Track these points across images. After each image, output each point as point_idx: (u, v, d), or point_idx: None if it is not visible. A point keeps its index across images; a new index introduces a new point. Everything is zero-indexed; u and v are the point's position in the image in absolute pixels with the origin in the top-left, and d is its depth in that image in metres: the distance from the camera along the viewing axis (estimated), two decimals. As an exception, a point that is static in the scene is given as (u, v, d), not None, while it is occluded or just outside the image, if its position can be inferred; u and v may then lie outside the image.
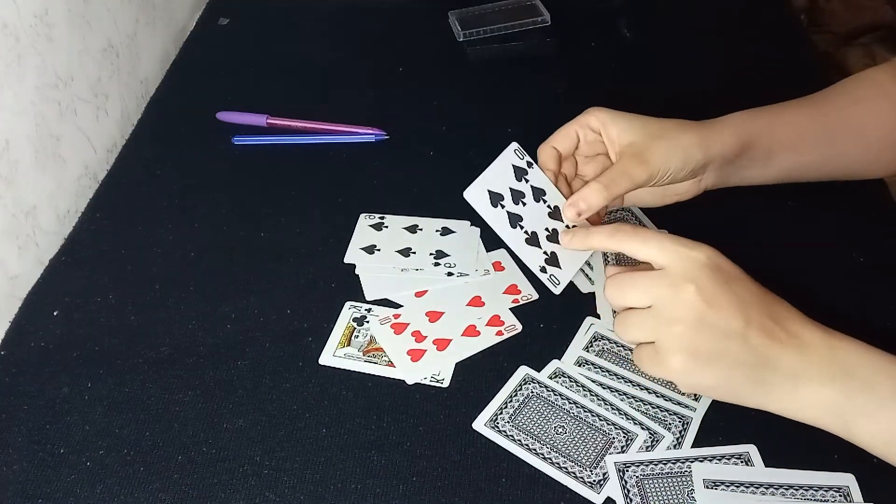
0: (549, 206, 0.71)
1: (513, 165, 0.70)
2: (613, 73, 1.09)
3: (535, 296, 0.79)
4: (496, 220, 0.69)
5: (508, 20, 1.15)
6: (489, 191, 0.69)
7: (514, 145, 0.71)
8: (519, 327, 0.77)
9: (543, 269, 0.70)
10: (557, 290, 0.70)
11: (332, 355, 0.75)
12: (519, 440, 0.68)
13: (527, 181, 0.70)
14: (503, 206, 0.69)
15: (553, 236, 0.70)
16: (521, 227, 0.69)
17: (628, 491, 0.64)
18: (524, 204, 0.70)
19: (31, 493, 0.66)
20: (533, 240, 0.69)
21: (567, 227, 0.71)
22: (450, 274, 0.81)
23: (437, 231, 0.85)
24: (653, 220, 0.85)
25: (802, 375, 0.60)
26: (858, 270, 0.81)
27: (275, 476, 0.67)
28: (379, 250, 0.84)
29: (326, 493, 0.65)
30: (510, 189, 0.69)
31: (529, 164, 0.71)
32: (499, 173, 0.70)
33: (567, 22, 1.16)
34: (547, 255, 0.70)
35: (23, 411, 0.72)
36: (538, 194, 0.70)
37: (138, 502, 0.65)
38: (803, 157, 0.77)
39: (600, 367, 0.73)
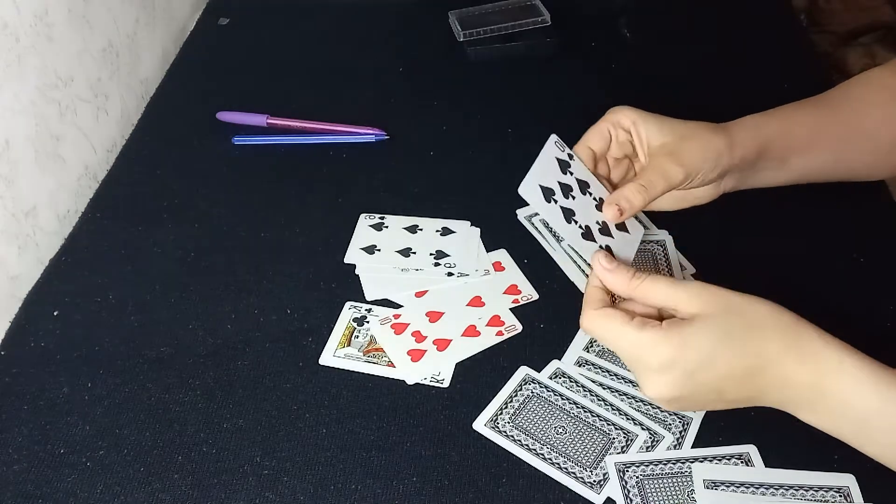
0: (595, 199, 0.69)
1: (556, 158, 0.68)
2: (613, 73, 1.09)
3: (535, 296, 0.79)
4: (552, 215, 0.66)
5: (508, 20, 1.15)
6: (541, 185, 0.66)
7: (554, 137, 0.68)
8: (519, 327, 0.77)
9: None
10: None
11: (333, 355, 0.75)
12: (519, 440, 0.68)
13: (571, 174, 0.68)
14: (556, 202, 0.66)
15: (605, 229, 0.68)
16: (576, 222, 0.67)
17: (628, 491, 0.64)
18: (573, 197, 0.67)
19: (31, 493, 0.66)
20: (588, 234, 0.67)
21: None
22: (450, 274, 0.81)
23: (437, 231, 0.85)
24: (654, 220, 0.85)
25: (791, 407, 0.60)
26: (858, 270, 0.81)
27: (275, 476, 0.67)
28: (379, 250, 0.84)
29: (326, 493, 0.66)
30: (558, 183, 0.67)
31: (570, 157, 0.69)
32: (545, 167, 0.67)
33: (567, 22, 1.16)
34: (602, 249, 0.67)
35: (23, 411, 0.72)
36: (583, 187, 0.68)
37: (138, 502, 0.65)
38: (816, 160, 0.77)
39: (600, 368, 0.73)
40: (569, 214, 0.67)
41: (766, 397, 0.60)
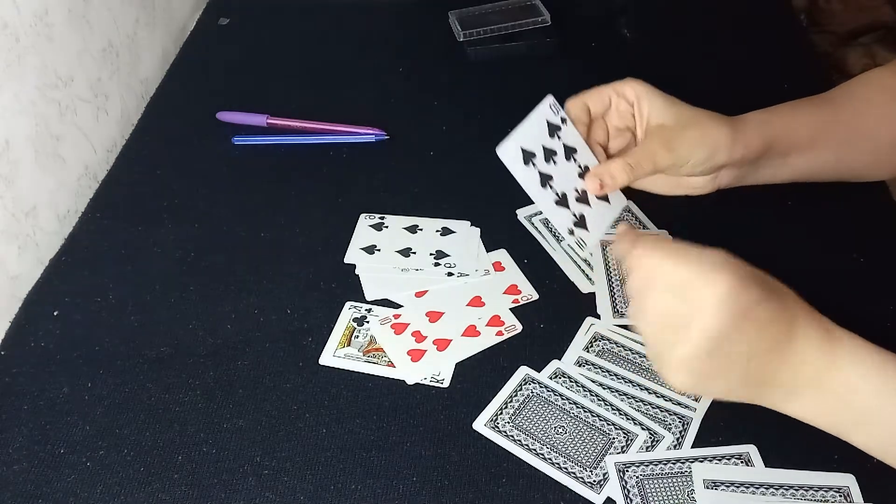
0: (579, 166, 0.67)
1: (547, 121, 0.67)
2: (613, 73, 1.09)
3: (535, 296, 0.79)
4: (527, 179, 0.65)
5: (508, 20, 1.15)
6: (522, 148, 0.65)
7: (550, 98, 0.68)
8: (519, 327, 0.77)
9: (571, 232, 0.67)
10: (584, 253, 0.68)
11: (333, 355, 0.75)
12: (519, 440, 0.68)
13: (559, 138, 0.67)
14: (534, 165, 0.65)
15: (583, 197, 0.67)
16: (551, 188, 0.66)
17: (628, 491, 0.64)
18: (555, 163, 0.66)
19: (31, 493, 0.66)
20: (562, 201, 0.66)
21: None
22: (450, 274, 0.81)
23: (437, 231, 0.85)
24: (652, 218, 0.85)
25: (798, 390, 0.59)
26: (858, 270, 0.81)
27: (274, 476, 0.67)
28: (379, 250, 0.84)
29: (326, 493, 0.66)
30: (542, 147, 0.66)
31: (563, 120, 0.68)
32: (533, 129, 0.66)
33: (567, 22, 1.16)
34: (576, 217, 0.67)
35: (23, 411, 0.72)
36: (569, 153, 0.67)
37: (138, 502, 0.65)
38: (817, 159, 0.77)
39: (600, 368, 0.73)
40: (545, 179, 0.66)
41: (777, 378, 0.58)
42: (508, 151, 0.65)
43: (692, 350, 0.57)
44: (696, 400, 0.70)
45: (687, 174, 0.71)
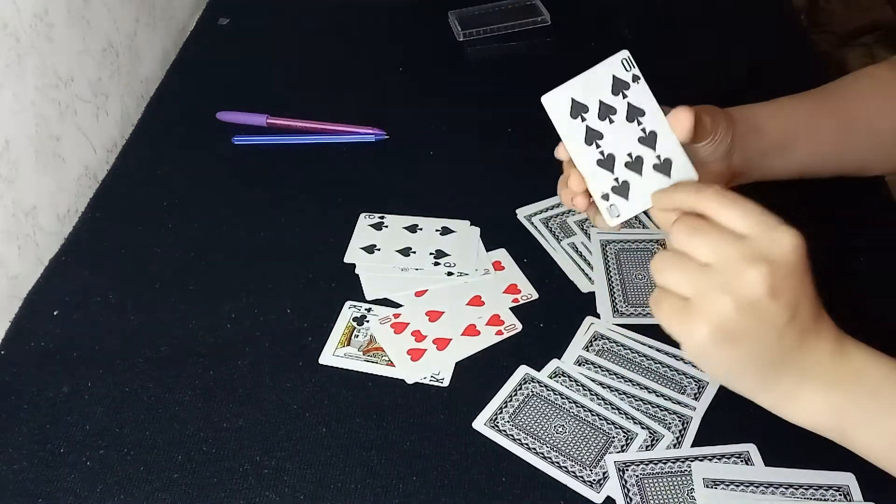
0: (643, 130, 0.61)
1: (613, 76, 0.61)
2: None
3: (535, 295, 0.79)
4: (570, 132, 0.60)
5: (508, 20, 1.15)
6: (573, 99, 0.60)
7: (625, 53, 0.61)
8: (519, 327, 0.77)
9: (606, 197, 0.61)
10: (614, 223, 0.61)
11: (332, 355, 0.75)
12: (519, 439, 0.68)
13: (625, 96, 0.61)
14: (584, 119, 0.60)
15: (635, 164, 0.61)
16: (598, 147, 0.61)
17: (628, 490, 0.64)
18: (611, 121, 0.61)
19: (31, 493, 0.66)
20: (607, 162, 0.61)
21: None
22: (450, 273, 0.81)
23: (436, 231, 0.85)
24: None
25: (808, 375, 0.57)
26: (859, 270, 0.81)
27: (274, 475, 0.67)
28: (379, 250, 0.84)
29: (326, 493, 0.66)
30: (600, 101, 0.61)
31: (636, 79, 0.62)
32: (593, 82, 0.61)
33: (567, 22, 1.16)
34: (617, 183, 0.61)
35: (23, 411, 0.72)
36: (634, 114, 0.61)
37: (138, 501, 0.65)
38: (820, 149, 0.78)
39: (600, 367, 0.73)
40: (592, 136, 0.61)
41: (794, 361, 0.57)
42: (556, 101, 0.60)
43: (737, 301, 0.54)
44: (696, 399, 0.70)
45: (710, 151, 0.69)
